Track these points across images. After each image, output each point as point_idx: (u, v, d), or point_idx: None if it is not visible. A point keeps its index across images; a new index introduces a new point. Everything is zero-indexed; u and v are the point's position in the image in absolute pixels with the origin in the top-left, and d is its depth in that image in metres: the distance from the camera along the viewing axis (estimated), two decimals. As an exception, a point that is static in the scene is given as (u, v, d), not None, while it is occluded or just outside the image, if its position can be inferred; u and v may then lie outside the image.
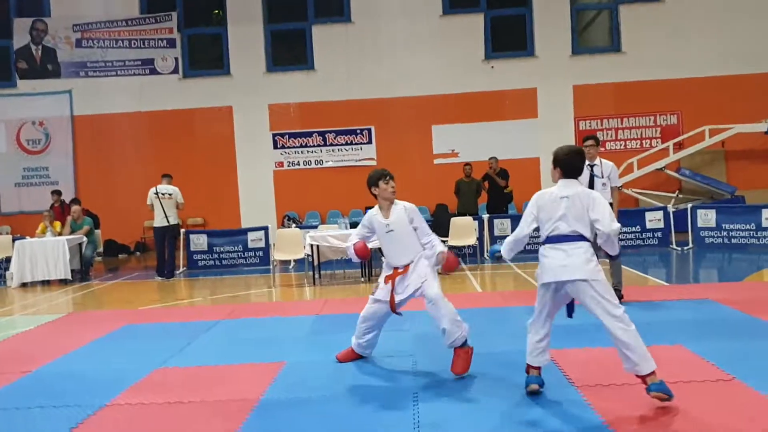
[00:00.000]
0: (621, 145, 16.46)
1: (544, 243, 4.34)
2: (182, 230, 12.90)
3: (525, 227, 4.41)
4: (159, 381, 5.19)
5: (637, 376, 4.07)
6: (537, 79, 16.31)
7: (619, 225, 4.27)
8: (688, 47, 15.92)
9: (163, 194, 11.64)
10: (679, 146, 15.50)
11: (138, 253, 16.69)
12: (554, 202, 4.31)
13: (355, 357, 5.46)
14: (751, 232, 11.93)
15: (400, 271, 5.22)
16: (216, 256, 13.02)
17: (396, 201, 5.46)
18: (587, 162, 7.67)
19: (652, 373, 4.02)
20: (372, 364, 5.39)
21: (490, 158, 13.39)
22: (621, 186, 7.57)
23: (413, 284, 5.16)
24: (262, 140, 16.60)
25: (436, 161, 16.52)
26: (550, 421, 3.92)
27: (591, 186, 7.58)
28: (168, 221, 11.64)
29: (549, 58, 16.33)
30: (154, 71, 16.78)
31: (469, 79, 16.31)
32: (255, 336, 6.69)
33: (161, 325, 7.53)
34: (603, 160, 7.71)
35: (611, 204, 7.58)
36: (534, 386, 4.39)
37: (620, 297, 7.41)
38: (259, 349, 6.04)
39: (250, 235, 13.02)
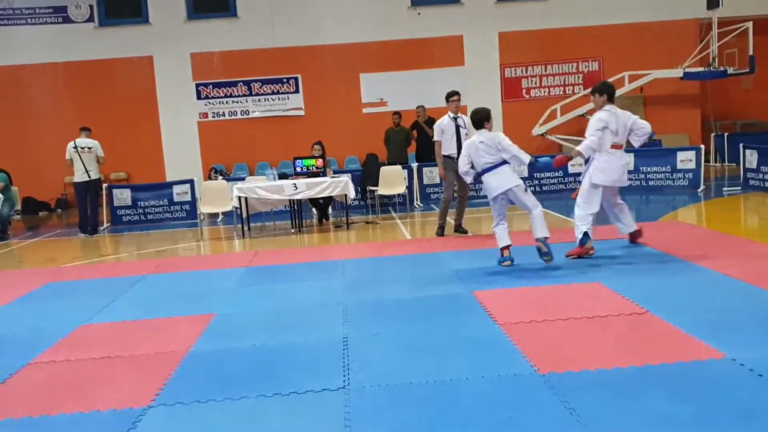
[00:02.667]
0: (545, 92, 16.74)
1: (481, 174, 6.68)
2: (104, 185, 12.50)
3: (463, 166, 6.87)
4: (84, 338, 5.10)
5: (537, 240, 6.45)
6: (463, 27, 16.32)
7: (516, 146, 6.62)
8: (609, -6, 16.19)
9: (82, 148, 11.20)
10: (600, 92, 15.85)
11: (59, 210, 16.12)
12: (474, 146, 6.70)
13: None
14: (667, 174, 12.43)
15: None
16: (140, 210, 12.71)
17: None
18: (452, 115, 8.78)
19: (546, 238, 6.48)
20: (302, 312, 5.43)
21: (418, 107, 13.40)
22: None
23: None
24: (185, 91, 16.11)
25: (364, 110, 16.44)
26: (474, 358, 4.06)
27: (458, 137, 8.69)
28: (89, 176, 11.24)
29: (475, 5, 16.32)
30: (67, 19, 15.95)
31: (396, 26, 16.18)
32: (183, 289, 6.62)
33: (85, 282, 7.35)
34: (463, 115, 8.79)
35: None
36: (508, 262, 6.61)
37: (464, 231, 8.92)
38: (187, 302, 5.99)
39: (176, 189, 12.72)
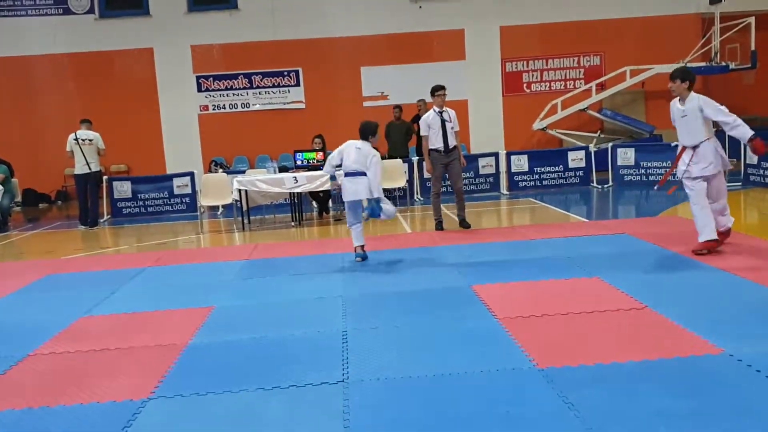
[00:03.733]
0: (546, 86, 16.71)
1: (345, 174, 6.97)
2: (105, 177, 12.51)
3: (329, 165, 7.29)
4: (84, 329, 5.11)
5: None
6: (465, 20, 16.27)
7: (379, 174, 6.94)
8: (611, -12, 16.15)
9: (83, 140, 11.20)
10: (601, 87, 15.86)
11: (59, 202, 16.12)
12: (351, 148, 7.04)
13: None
14: (667, 169, 12.41)
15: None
16: (141, 203, 12.71)
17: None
18: (437, 109, 8.67)
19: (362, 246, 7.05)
20: (301, 305, 5.44)
21: (419, 101, 13.39)
22: (458, 129, 8.84)
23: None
24: (186, 83, 16.09)
25: (365, 104, 16.42)
26: (473, 352, 4.07)
27: (444, 130, 8.64)
28: (89, 168, 11.24)
29: (476, -2, 16.28)
30: (68, 11, 15.92)
31: (398, 19, 16.15)
32: (183, 282, 6.63)
33: (85, 273, 7.36)
34: (448, 108, 8.77)
35: (456, 146, 8.80)
36: (360, 259, 7.02)
37: (468, 225, 8.78)
38: (187, 295, 6.00)
39: (176, 181, 12.73)
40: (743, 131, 6.21)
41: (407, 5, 16.22)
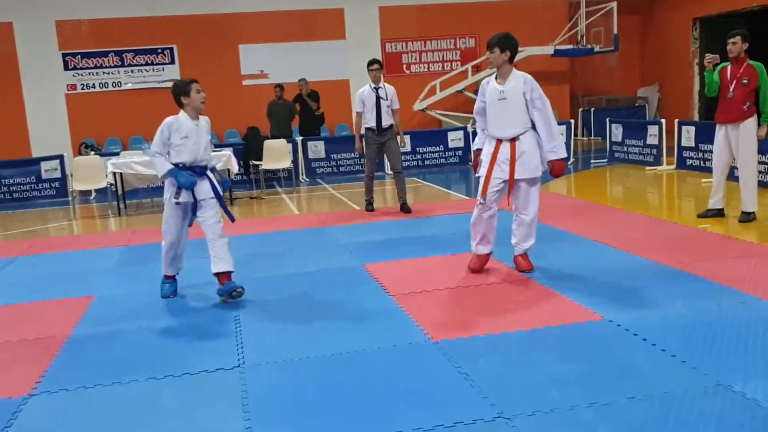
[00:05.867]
0: (425, 67, 17.00)
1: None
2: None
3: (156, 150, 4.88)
4: (-52, 326, 4.71)
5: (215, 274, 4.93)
6: (343, 0, 16.23)
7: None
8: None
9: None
10: (477, 69, 16.33)
11: None
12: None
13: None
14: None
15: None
16: (5, 189, 11.78)
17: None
18: (372, 85, 8.10)
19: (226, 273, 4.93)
20: (188, 291, 5.27)
21: (300, 80, 13.24)
22: (399, 108, 8.37)
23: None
24: (51, 61, 15.07)
25: (245, 82, 16.06)
26: (369, 329, 4.11)
27: (378, 107, 8.06)
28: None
29: (355, -23, 16.26)
30: None
31: (277, -4, 15.86)
32: (58, 271, 6.24)
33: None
34: (386, 84, 8.27)
35: (395, 125, 8.23)
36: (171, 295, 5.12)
37: (408, 209, 8.27)
38: (65, 284, 5.67)
39: (44, 165, 11.89)
40: (561, 143, 5.12)
41: (286, -18, 15.94)
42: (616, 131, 12.53)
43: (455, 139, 13.55)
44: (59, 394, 3.44)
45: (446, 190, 10.55)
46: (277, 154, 11.53)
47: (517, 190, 5.16)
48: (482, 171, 5.17)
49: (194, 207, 4.86)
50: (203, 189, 4.85)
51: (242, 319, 4.47)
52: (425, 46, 17.02)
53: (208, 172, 4.94)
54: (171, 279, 5.15)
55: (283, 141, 11.82)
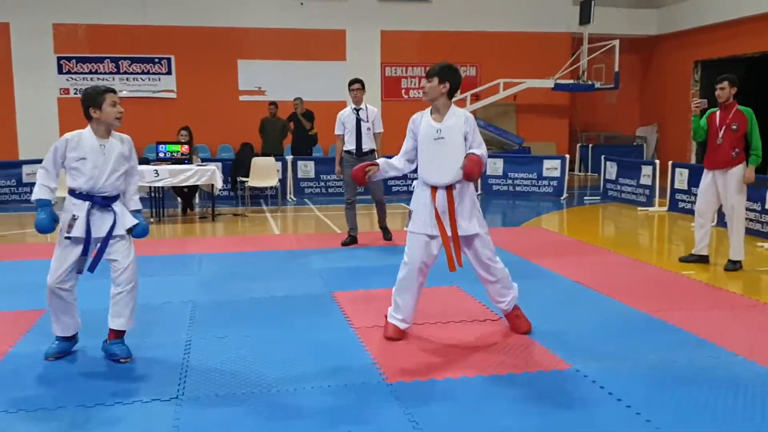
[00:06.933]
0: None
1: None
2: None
3: None
4: None
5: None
6: (346, 21, 16.15)
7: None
8: (490, 3, 16.53)
9: None
10: (476, 98, 16.23)
11: None
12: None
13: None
14: (533, 181, 12.85)
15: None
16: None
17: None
18: (353, 106, 7.69)
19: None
20: (146, 312, 5.03)
21: (295, 99, 13.11)
22: (381, 131, 7.81)
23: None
24: (45, 64, 14.90)
25: (241, 98, 15.91)
26: (323, 365, 3.88)
27: (358, 130, 7.62)
28: None
29: (359, 1, 16.19)
30: None
31: (279, 14, 15.76)
32: (14, 281, 6.00)
33: None
34: (368, 106, 7.81)
35: (377, 149, 7.74)
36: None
37: (389, 236, 7.93)
38: (18, 295, 5.44)
39: (26, 169, 11.63)
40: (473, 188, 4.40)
41: (289, 1, 15.87)
42: (611, 169, 12.37)
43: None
44: (-22, 417, 3.21)
45: (433, 218, 10.33)
46: (264, 172, 11.34)
47: (471, 249, 4.36)
48: (419, 220, 4.25)
49: (100, 247, 3.93)
50: (102, 225, 3.93)
51: (193, 346, 4.24)
52: (425, 72, 16.87)
53: (116, 206, 3.99)
54: (68, 339, 4.10)
55: (271, 159, 11.62)
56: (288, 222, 10.25)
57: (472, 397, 3.45)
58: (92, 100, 3.90)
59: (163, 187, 9.91)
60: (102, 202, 3.95)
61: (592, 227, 9.95)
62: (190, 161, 9.99)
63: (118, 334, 4.03)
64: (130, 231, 4.03)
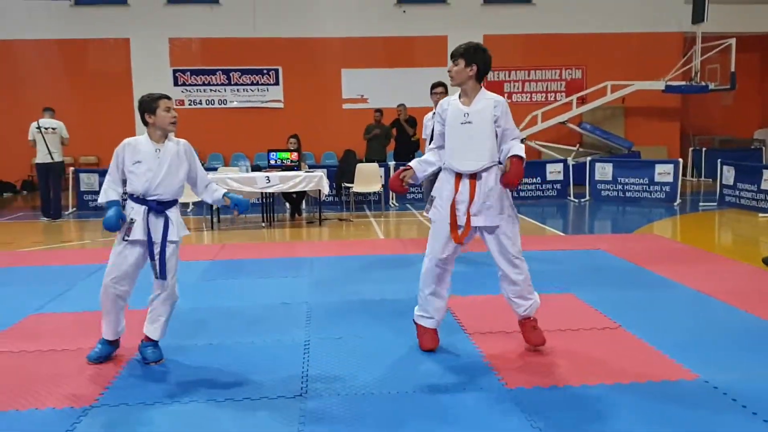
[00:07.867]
0: (527, 97, 16.66)
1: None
2: (71, 168, 12.15)
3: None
4: (32, 328, 4.85)
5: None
6: (448, 27, 16.15)
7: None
8: (596, 3, 16.13)
9: (45, 129, 10.85)
10: (582, 101, 15.84)
11: (24, 192, 15.68)
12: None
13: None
14: (644, 186, 12.39)
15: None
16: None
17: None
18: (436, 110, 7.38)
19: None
20: (264, 311, 5.21)
21: (399, 105, 13.22)
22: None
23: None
24: (162, 76, 15.76)
25: (345, 106, 16.23)
26: (435, 366, 3.88)
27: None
28: (52, 158, 10.88)
29: (461, 6, 16.19)
30: (43, -4, 15.53)
31: (381, 23, 15.99)
32: (140, 281, 6.32)
33: (41, 268, 7.05)
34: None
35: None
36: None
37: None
38: (144, 294, 5.72)
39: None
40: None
41: (391, 9, 16.07)
42: (728, 174, 11.74)
43: (554, 171, 13.12)
44: (119, 408, 3.40)
45: (540, 224, 10.15)
46: (368, 178, 11.51)
47: (497, 244, 4.11)
48: (442, 211, 4.09)
49: (160, 251, 4.06)
50: (158, 230, 4.04)
51: (312, 345, 4.34)
52: (529, 76, 16.70)
53: (170, 212, 4.08)
54: (111, 343, 4.17)
55: (375, 165, 11.78)
56: (391, 227, 10.33)
57: (596, 405, 3.35)
58: (147, 106, 4.02)
59: (273, 193, 10.23)
60: (157, 207, 4.03)
61: (709, 234, 9.49)
62: (298, 168, 10.27)
63: (150, 338, 4.14)
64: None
